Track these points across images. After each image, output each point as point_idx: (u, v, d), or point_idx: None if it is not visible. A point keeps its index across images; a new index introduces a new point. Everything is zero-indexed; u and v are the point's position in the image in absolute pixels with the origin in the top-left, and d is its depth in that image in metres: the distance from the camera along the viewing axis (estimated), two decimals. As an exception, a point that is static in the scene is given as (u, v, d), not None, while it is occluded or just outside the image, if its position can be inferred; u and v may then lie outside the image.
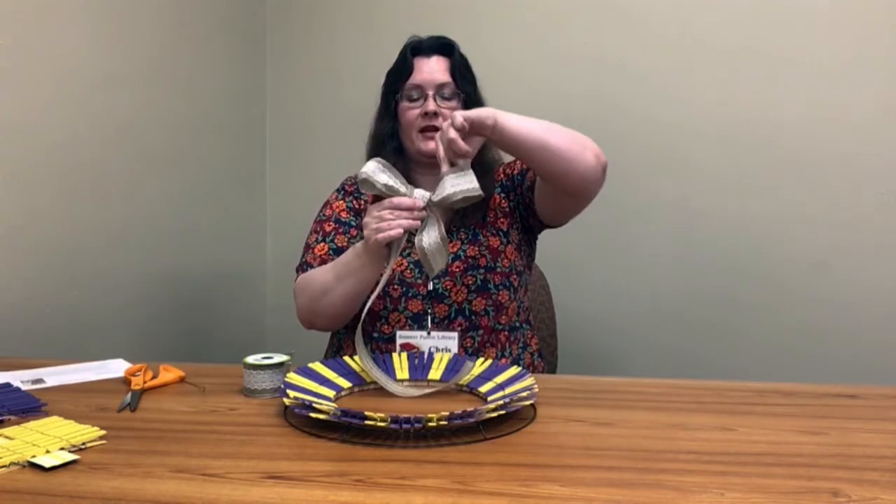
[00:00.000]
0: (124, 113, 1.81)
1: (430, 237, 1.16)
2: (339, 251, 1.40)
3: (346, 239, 1.43)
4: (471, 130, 1.18)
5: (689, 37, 1.98)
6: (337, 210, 1.48)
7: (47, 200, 1.61)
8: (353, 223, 1.45)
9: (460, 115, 1.17)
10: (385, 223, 1.16)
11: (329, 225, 1.45)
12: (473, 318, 1.38)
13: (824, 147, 1.90)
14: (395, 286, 1.37)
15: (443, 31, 1.49)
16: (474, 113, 1.19)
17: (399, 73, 1.44)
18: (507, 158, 1.51)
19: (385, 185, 1.17)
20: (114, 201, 1.78)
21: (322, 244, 1.42)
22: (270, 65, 2.37)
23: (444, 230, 1.17)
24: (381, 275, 1.22)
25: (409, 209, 1.16)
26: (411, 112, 1.42)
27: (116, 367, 1.27)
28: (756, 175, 1.96)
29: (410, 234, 1.17)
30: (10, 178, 1.52)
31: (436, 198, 1.16)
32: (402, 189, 1.17)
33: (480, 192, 1.16)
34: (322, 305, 1.34)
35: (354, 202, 1.49)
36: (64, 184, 1.65)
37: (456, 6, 2.16)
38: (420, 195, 1.17)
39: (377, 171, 1.17)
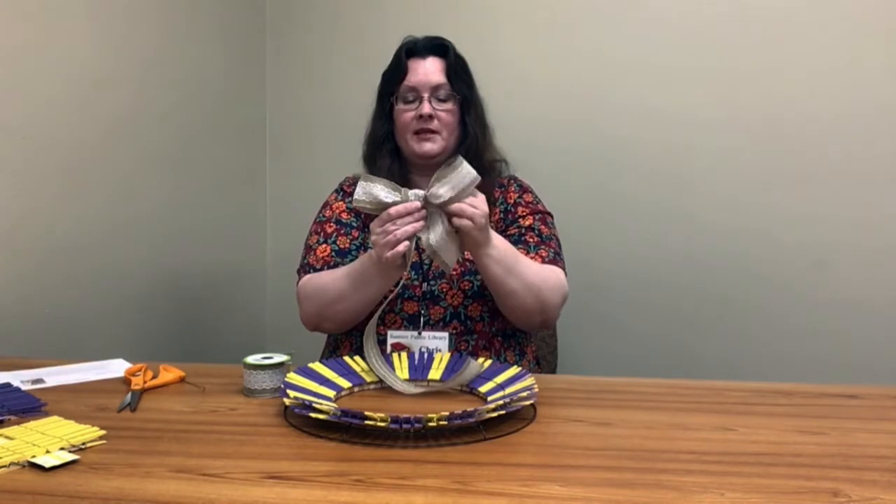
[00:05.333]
0: (124, 113, 1.81)
1: (437, 233, 1.17)
2: (341, 253, 1.40)
3: (348, 240, 1.42)
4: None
5: (690, 38, 1.98)
6: (337, 211, 1.47)
7: (47, 200, 1.61)
8: (353, 224, 1.45)
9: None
10: (391, 236, 1.15)
11: (330, 226, 1.45)
12: (469, 322, 1.37)
13: (824, 147, 1.90)
14: (392, 288, 1.37)
15: (442, 32, 1.48)
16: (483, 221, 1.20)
17: (394, 75, 1.44)
18: (509, 160, 1.52)
19: (381, 204, 1.16)
20: (114, 201, 1.78)
21: (324, 245, 1.42)
22: (270, 65, 2.37)
23: (448, 223, 1.18)
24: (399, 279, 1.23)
25: (410, 213, 1.15)
26: (406, 114, 1.41)
27: (116, 367, 1.27)
28: (756, 175, 1.96)
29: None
30: (11, 177, 1.52)
31: (434, 199, 1.16)
32: (398, 196, 1.16)
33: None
34: (335, 311, 1.34)
35: None
36: (64, 183, 1.65)
37: (456, 7, 2.16)
38: (414, 195, 1.16)
39: (368, 192, 1.16)
